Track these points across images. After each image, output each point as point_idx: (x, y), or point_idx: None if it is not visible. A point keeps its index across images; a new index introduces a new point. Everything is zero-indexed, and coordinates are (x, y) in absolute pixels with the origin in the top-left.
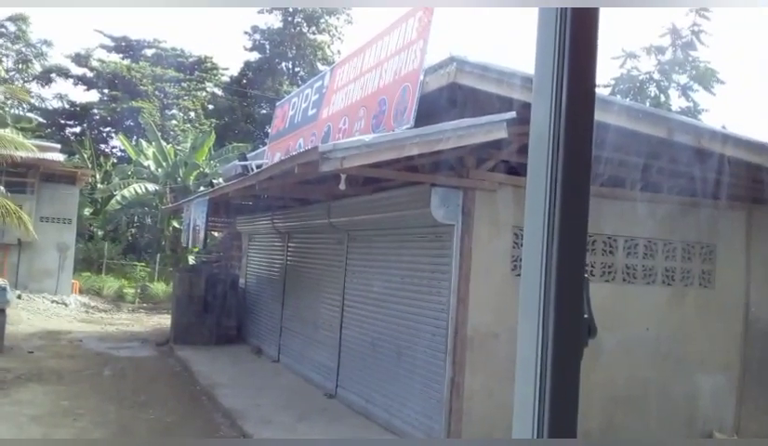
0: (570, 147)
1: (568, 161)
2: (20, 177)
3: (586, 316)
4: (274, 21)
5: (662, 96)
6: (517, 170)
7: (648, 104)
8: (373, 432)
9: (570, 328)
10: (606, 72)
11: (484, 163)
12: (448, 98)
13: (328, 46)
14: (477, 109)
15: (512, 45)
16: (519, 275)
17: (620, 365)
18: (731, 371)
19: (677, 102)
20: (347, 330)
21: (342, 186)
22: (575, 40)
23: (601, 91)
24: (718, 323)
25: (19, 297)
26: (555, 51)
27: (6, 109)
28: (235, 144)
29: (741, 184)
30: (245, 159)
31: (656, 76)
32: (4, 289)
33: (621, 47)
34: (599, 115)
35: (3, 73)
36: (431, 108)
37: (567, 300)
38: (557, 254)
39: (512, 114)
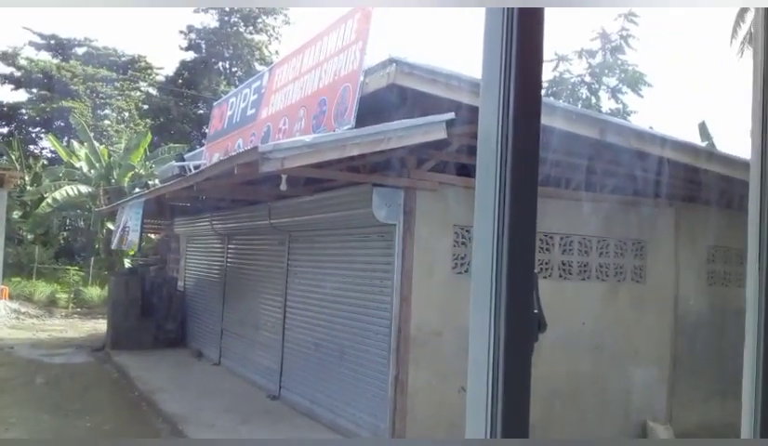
0: (518, 145)
1: (517, 159)
2: None
3: (536, 311)
4: (210, 21)
5: (593, 98)
6: (457, 170)
7: (580, 106)
8: (317, 432)
9: (521, 323)
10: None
11: (425, 163)
12: (389, 99)
13: (266, 46)
14: (417, 110)
15: (457, 47)
16: (460, 273)
17: (558, 360)
18: (662, 363)
19: (607, 104)
20: (290, 331)
21: (283, 186)
22: (521, 40)
23: None
24: (649, 317)
25: None
26: (502, 51)
27: None
28: (172, 145)
29: (669, 183)
30: (183, 160)
31: (587, 79)
32: None
33: (554, 51)
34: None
35: None
36: (372, 108)
37: (518, 296)
38: (507, 250)
39: (451, 115)
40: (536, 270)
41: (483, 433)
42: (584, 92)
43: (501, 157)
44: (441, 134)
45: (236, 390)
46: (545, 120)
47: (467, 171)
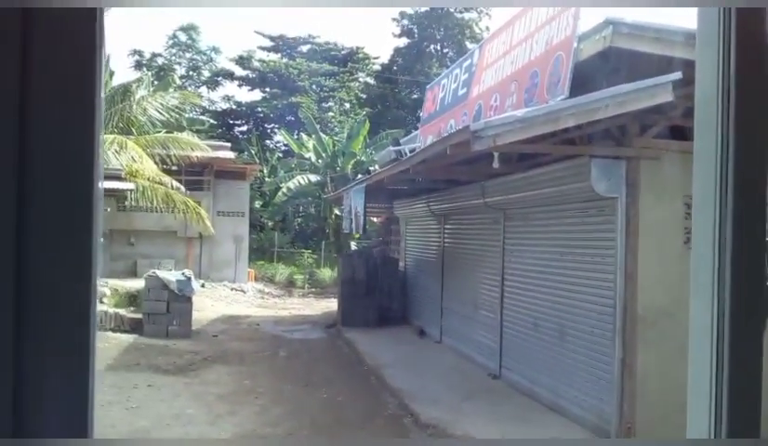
0: (742, 104)
1: (741, 119)
2: (197, 175)
3: None
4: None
5: None
6: (685, 135)
7: None
8: (539, 413)
9: (750, 301)
10: None
11: (648, 129)
12: (605, 65)
13: (476, 24)
14: (636, 72)
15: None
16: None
17: None
18: None
19: None
20: (508, 310)
21: (496, 164)
22: None
23: None
24: None
25: (202, 286)
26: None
27: (182, 113)
28: (389, 131)
29: None
30: (398, 144)
31: None
32: (189, 279)
33: None
34: None
35: (177, 81)
36: (587, 76)
37: (745, 270)
38: (732, 219)
39: (678, 75)
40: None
41: (707, 432)
42: None
43: (723, 120)
44: (667, 96)
45: (458, 368)
46: None
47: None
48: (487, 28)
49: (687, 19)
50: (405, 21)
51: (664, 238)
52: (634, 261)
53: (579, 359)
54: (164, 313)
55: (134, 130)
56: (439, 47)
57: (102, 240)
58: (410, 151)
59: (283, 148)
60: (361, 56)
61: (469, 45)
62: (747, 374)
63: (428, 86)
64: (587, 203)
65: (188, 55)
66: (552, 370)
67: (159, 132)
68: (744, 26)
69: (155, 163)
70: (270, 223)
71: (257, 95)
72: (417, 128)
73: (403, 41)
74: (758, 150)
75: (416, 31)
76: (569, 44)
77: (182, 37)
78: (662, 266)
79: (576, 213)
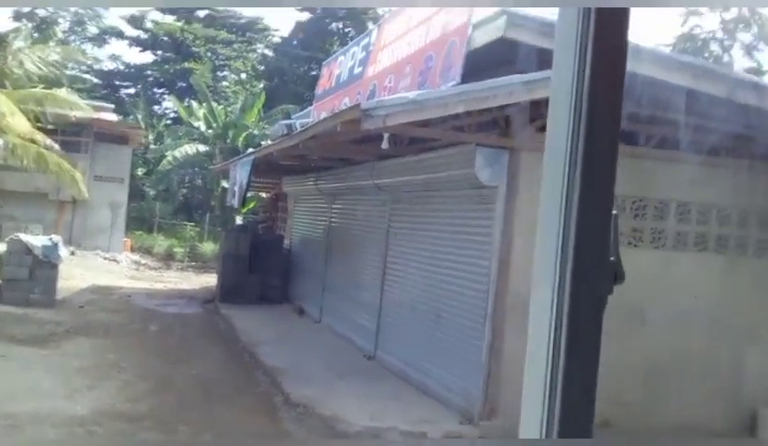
0: (594, 100)
1: (592, 115)
2: (75, 136)
3: (612, 259)
4: None
5: (725, 55)
6: None
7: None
8: (410, 394)
9: (591, 271)
10: (669, 31)
11: (533, 122)
12: (498, 54)
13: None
14: (529, 65)
15: None
16: None
17: (665, 335)
18: None
19: (740, 62)
20: (388, 292)
21: (385, 145)
22: None
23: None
24: None
25: (72, 254)
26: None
27: (63, 70)
28: (285, 106)
29: None
30: (290, 118)
31: (720, 35)
32: (56, 245)
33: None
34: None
35: (59, 35)
36: (480, 64)
37: (590, 237)
38: (581, 179)
39: None
40: (614, 212)
41: (538, 431)
42: (716, 48)
43: (575, 112)
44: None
45: (334, 348)
46: (668, 76)
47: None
48: (389, 10)
49: None
50: None
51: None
52: (509, 249)
53: (452, 342)
54: (25, 280)
55: (8, 83)
56: (341, 25)
57: None
58: (302, 127)
59: (172, 115)
60: (260, 27)
61: (371, 25)
62: (585, 359)
63: (324, 62)
64: (470, 191)
65: (73, 8)
66: (426, 352)
67: (36, 87)
68: (602, 27)
69: (29, 120)
70: (152, 192)
71: (147, 57)
72: (312, 104)
73: (305, 15)
74: (606, 143)
75: (318, 7)
76: (464, 31)
77: None
78: (534, 255)
79: (460, 199)
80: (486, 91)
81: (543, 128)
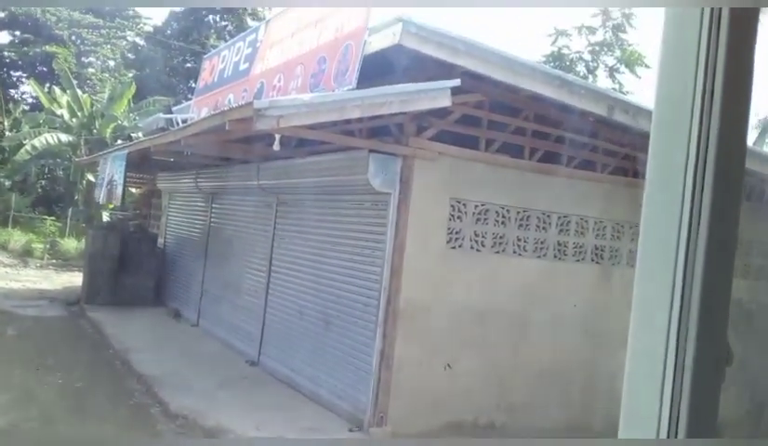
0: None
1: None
2: None
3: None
4: None
5: (590, 76)
6: (457, 140)
7: None
8: (297, 402)
9: (712, 355)
10: (537, 49)
11: (425, 130)
12: (393, 61)
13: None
14: (422, 74)
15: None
16: (454, 248)
17: (548, 341)
18: None
19: (604, 83)
20: (273, 297)
21: (276, 147)
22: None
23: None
24: None
25: None
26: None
27: None
28: (157, 97)
29: None
30: (170, 112)
31: (586, 56)
32: None
33: (553, 25)
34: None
35: None
36: (375, 70)
37: (711, 321)
38: (704, 264)
39: (457, 82)
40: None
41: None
42: (581, 69)
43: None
44: (445, 101)
45: (214, 354)
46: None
47: (467, 141)
48: (270, 9)
49: (475, 30)
50: None
51: (429, 237)
52: (401, 257)
53: (341, 349)
54: None
55: None
56: (218, 18)
57: None
58: (183, 122)
59: (30, 100)
60: (131, 13)
61: (250, 21)
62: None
63: (206, 56)
64: (362, 196)
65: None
66: (314, 359)
67: None
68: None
69: None
70: (7, 183)
71: (3, 37)
72: (189, 99)
73: (180, 6)
74: (732, 200)
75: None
76: (360, 35)
77: None
78: (425, 263)
79: (351, 205)
80: (382, 97)
81: (435, 137)
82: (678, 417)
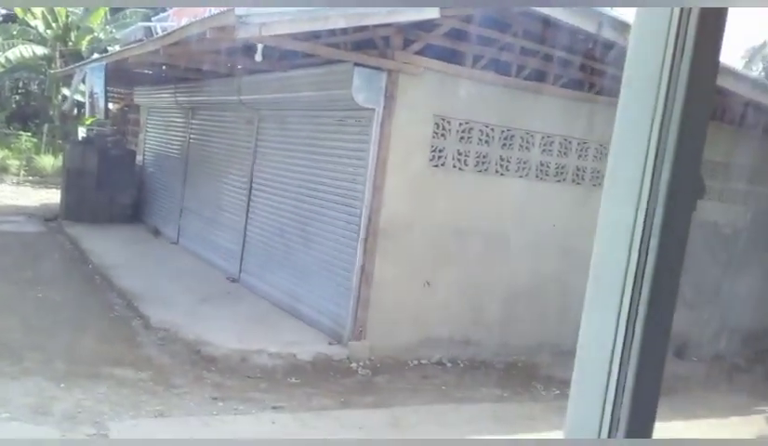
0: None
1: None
2: None
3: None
4: None
5: None
6: (444, 55)
7: None
8: (278, 316)
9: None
10: None
11: (411, 44)
12: None
13: None
14: None
15: None
16: (436, 166)
17: (526, 260)
18: None
19: None
20: (254, 214)
21: (258, 57)
22: None
23: None
24: None
25: None
26: None
27: None
28: (134, 9)
29: None
30: (150, 21)
31: None
32: None
33: None
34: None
35: None
36: None
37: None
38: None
39: None
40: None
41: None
42: None
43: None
44: (433, 13)
45: (195, 270)
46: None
47: (453, 57)
48: None
49: None
50: None
51: (412, 154)
52: (383, 174)
53: (322, 266)
54: None
55: None
56: None
57: None
58: (162, 31)
59: (2, 11)
60: None
61: None
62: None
63: None
64: (345, 112)
65: None
66: (294, 275)
67: None
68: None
69: None
70: None
71: None
72: (166, 10)
73: None
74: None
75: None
76: None
77: None
78: (407, 181)
79: (334, 121)
80: (368, 7)
81: (421, 52)
82: (619, 417)
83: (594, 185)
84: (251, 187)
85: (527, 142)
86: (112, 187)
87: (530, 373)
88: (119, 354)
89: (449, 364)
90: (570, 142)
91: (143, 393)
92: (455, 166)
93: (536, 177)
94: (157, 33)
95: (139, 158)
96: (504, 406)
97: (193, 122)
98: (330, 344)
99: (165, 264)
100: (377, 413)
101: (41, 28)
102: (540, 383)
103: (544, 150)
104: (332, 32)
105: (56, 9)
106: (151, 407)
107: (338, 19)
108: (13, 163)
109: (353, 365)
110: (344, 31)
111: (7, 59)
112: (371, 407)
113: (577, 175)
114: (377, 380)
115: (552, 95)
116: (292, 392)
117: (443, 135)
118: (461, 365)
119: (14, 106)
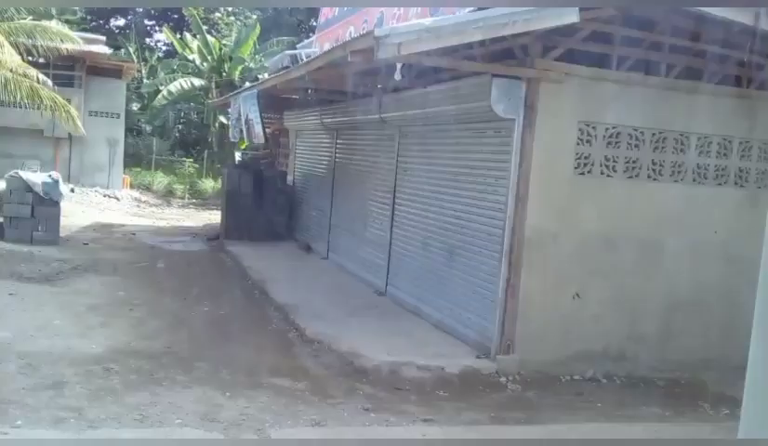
0: None
1: None
2: (67, 70)
3: None
4: None
5: None
6: (585, 59)
7: None
8: (424, 329)
9: None
10: None
11: (551, 51)
12: None
13: None
14: None
15: None
16: (582, 174)
17: (685, 269)
18: None
19: None
20: (398, 228)
21: (398, 76)
22: None
23: None
24: None
25: (72, 191)
26: None
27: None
28: (281, 37)
29: None
30: (294, 49)
31: None
32: (57, 182)
33: None
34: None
35: None
36: None
37: None
38: None
39: None
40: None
41: None
42: None
43: None
44: (573, 17)
45: (344, 284)
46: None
47: (597, 60)
48: None
49: None
50: None
51: (556, 163)
52: (526, 184)
53: (466, 278)
54: (27, 218)
55: None
56: None
57: None
58: (306, 57)
59: (164, 48)
60: None
61: None
62: None
63: None
64: (484, 124)
65: None
66: (439, 288)
67: (24, 19)
68: None
69: (19, 53)
70: (148, 128)
71: None
72: (311, 36)
73: None
74: None
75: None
76: None
77: None
78: (552, 190)
79: (473, 133)
80: (505, 17)
81: (562, 57)
82: None
83: (760, 187)
84: (394, 202)
85: (682, 144)
86: (266, 207)
87: (694, 390)
88: (278, 365)
89: (604, 380)
90: (730, 142)
91: (300, 403)
92: (602, 173)
93: (693, 180)
94: (302, 59)
95: (289, 178)
96: (668, 427)
97: (339, 142)
98: (477, 357)
99: (317, 278)
100: (532, 430)
101: (197, 61)
102: (707, 401)
103: (701, 152)
104: (468, 45)
105: (210, 43)
106: (308, 416)
107: (475, 32)
108: (178, 187)
109: (502, 380)
110: (481, 43)
111: (170, 92)
112: (523, 423)
113: (740, 176)
114: (527, 395)
115: (707, 93)
116: (441, 405)
117: (588, 141)
118: (617, 381)
119: (177, 135)
